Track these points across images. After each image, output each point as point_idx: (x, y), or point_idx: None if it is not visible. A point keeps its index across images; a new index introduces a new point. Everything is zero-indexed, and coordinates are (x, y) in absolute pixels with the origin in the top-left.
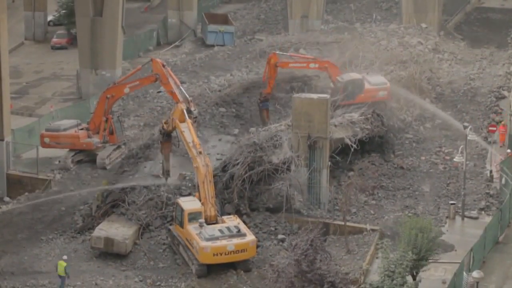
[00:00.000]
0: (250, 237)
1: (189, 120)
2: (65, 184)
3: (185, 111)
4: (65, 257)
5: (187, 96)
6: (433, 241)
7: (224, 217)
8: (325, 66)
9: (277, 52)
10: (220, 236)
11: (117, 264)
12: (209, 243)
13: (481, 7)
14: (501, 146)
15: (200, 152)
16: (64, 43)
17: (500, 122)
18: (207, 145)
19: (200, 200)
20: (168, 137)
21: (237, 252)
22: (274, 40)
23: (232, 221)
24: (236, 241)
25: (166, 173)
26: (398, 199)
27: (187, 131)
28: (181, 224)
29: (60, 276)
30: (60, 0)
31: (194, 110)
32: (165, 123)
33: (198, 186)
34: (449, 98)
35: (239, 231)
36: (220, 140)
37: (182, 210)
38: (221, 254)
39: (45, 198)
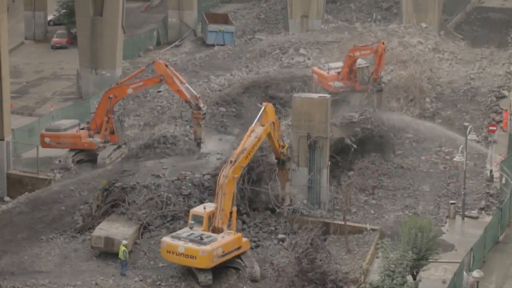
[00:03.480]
0: (205, 247)
1: (268, 127)
2: (65, 183)
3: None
4: (125, 241)
5: (195, 93)
6: (433, 241)
7: (228, 231)
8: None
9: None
10: (183, 238)
11: (117, 264)
12: (168, 239)
13: (481, 6)
14: (505, 131)
15: (231, 162)
16: (64, 43)
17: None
18: (207, 145)
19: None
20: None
21: (186, 256)
22: (274, 39)
23: (227, 235)
24: (189, 245)
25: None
26: (398, 199)
27: (251, 136)
28: None
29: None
30: None
31: (203, 106)
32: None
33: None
34: (449, 98)
35: (201, 239)
36: (220, 140)
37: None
38: (173, 253)
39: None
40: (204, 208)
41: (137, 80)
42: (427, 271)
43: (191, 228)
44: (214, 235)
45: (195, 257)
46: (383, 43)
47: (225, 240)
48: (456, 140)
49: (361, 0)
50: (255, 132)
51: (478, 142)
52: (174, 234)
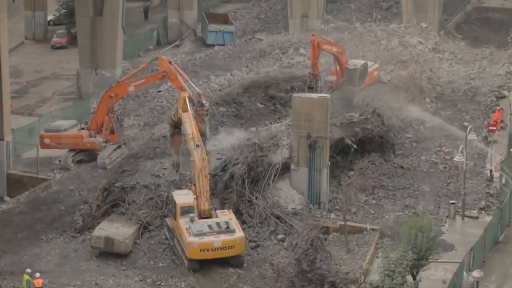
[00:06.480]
0: (238, 233)
1: (190, 110)
2: (65, 183)
3: (187, 99)
4: (28, 270)
5: (197, 89)
6: (433, 241)
7: (218, 212)
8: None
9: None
10: (208, 232)
11: (117, 264)
12: (196, 239)
13: (481, 6)
14: (498, 129)
15: (198, 145)
16: (64, 43)
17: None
18: (208, 143)
19: (195, 194)
20: (177, 129)
21: (224, 248)
22: (274, 39)
23: (225, 216)
24: (223, 237)
25: (176, 165)
26: (398, 199)
27: (188, 122)
28: (175, 217)
29: None
30: None
31: (206, 102)
32: (173, 115)
33: (194, 180)
34: (449, 98)
35: (228, 227)
36: (220, 140)
37: (175, 203)
38: (208, 250)
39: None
40: (196, 198)
41: (138, 78)
42: (427, 271)
43: (192, 221)
44: (226, 219)
45: (233, 247)
46: (313, 35)
47: (235, 220)
48: (457, 136)
49: (361, 0)
50: (188, 113)
51: (478, 142)
52: (194, 232)
